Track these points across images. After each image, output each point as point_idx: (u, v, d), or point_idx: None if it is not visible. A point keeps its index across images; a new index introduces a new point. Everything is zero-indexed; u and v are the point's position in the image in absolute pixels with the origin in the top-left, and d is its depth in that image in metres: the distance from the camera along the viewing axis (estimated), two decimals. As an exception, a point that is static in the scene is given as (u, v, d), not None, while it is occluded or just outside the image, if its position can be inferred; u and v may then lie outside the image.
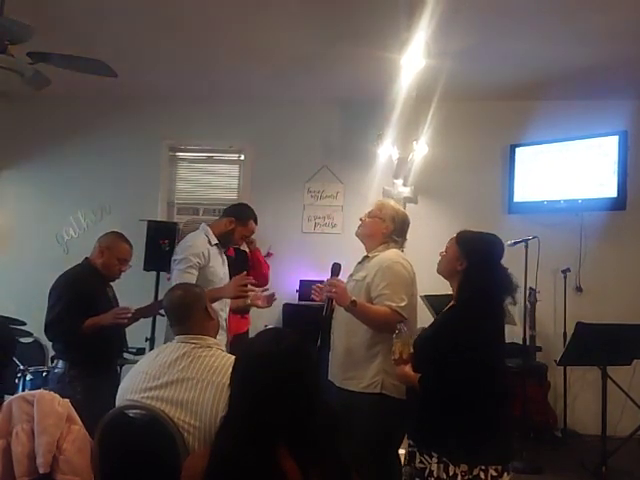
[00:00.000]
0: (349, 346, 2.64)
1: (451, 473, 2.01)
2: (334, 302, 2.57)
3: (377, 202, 2.91)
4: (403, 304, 2.55)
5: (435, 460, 2.05)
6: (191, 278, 2.94)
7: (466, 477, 2.00)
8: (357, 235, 2.88)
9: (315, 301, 2.74)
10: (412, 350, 2.25)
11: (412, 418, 2.27)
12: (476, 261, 2.20)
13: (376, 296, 2.59)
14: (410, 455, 2.22)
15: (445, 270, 2.32)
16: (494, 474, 2.02)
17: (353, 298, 2.52)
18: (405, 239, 2.86)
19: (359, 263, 2.85)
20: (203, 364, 2.06)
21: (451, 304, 2.28)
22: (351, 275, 2.85)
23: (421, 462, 2.12)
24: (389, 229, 2.77)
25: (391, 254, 2.70)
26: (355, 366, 2.60)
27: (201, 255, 3.04)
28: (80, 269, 3.18)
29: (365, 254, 2.83)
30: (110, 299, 3.23)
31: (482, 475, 2.00)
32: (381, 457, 2.55)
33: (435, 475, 2.04)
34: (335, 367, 2.70)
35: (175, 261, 3.06)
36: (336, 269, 2.66)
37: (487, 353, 2.06)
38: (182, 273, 2.97)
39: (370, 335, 2.58)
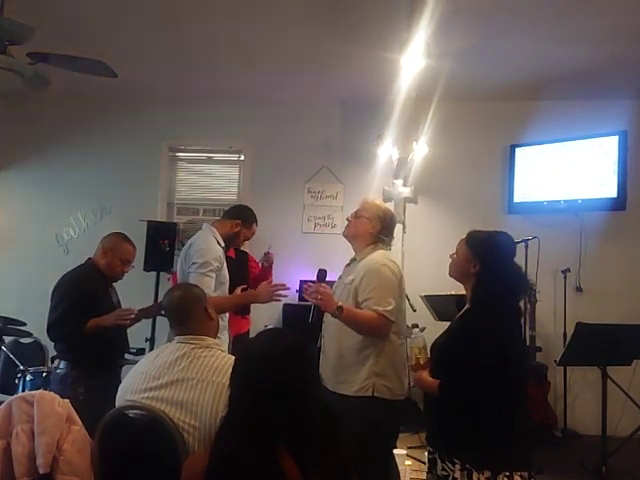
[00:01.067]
0: (340, 350, 2.63)
1: None
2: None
3: (363, 202, 2.86)
4: (390, 308, 2.53)
5: (458, 467, 2.02)
6: (211, 282, 2.94)
7: None
8: (344, 236, 2.86)
9: (308, 300, 2.71)
10: (429, 355, 2.23)
11: (430, 424, 2.24)
12: (489, 263, 2.14)
13: (363, 300, 2.57)
14: (431, 462, 2.18)
15: (457, 273, 2.26)
16: None
17: (339, 304, 2.49)
18: (392, 237, 2.84)
19: (347, 265, 2.83)
20: (203, 364, 2.06)
21: (466, 308, 2.23)
22: (340, 277, 2.84)
23: (443, 469, 2.09)
24: (376, 229, 2.75)
25: (378, 256, 2.67)
26: (346, 370, 2.59)
27: (219, 259, 3.06)
28: (83, 270, 3.17)
29: (353, 256, 2.82)
30: (112, 300, 3.23)
31: None
32: (378, 458, 2.54)
33: None
34: (326, 371, 2.67)
35: (195, 264, 3.00)
36: (322, 275, 2.64)
37: (506, 357, 2.02)
38: (203, 276, 2.94)
39: (360, 338, 2.57)
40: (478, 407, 2.00)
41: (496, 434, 2.00)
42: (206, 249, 3.07)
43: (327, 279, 2.64)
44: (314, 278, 2.65)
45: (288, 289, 3.09)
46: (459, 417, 2.04)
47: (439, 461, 2.12)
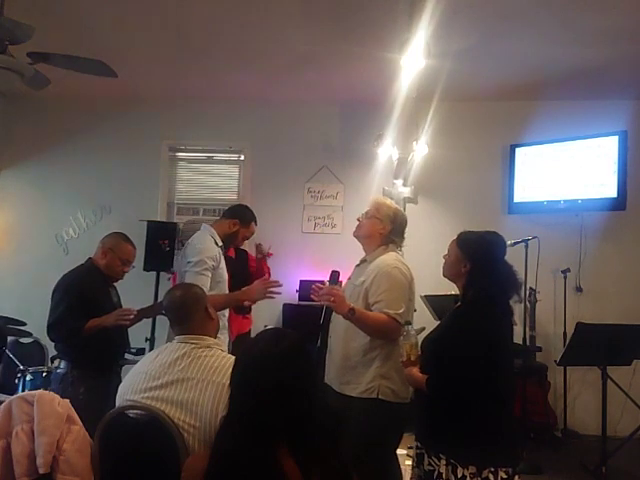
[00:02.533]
0: (347, 351, 2.62)
1: (460, 475, 2.00)
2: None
3: (373, 202, 2.84)
4: (401, 311, 2.53)
5: (444, 462, 2.04)
6: (206, 280, 2.95)
7: (475, 479, 1.99)
8: (355, 236, 2.85)
9: (314, 301, 2.69)
10: (420, 352, 2.24)
11: (419, 420, 2.25)
12: (479, 262, 2.19)
13: (374, 302, 2.56)
14: (418, 457, 2.21)
15: (450, 273, 2.31)
16: (504, 476, 2.01)
17: (352, 306, 2.49)
18: (403, 238, 2.83)
19: (357, 266, 2.82)
20: (203, 364, 2.06)
21: (457, 305, 2.28)
22: (349, 278, 2.83)
23: (430, 464, 2.11)
24: (387, 229, 2.73)
25: (389, 259, 2.66)
26: (352, 371, 2.59)
27: (215, 257, 3.06)
28: (83, 270, 3.16)
29: (363, 257, 2.81)
30: (113, 300, 3.23)
31: (491, 477, 1.99)
32: (380, 460, 2.55)
33: (444, 477, 2.03)
34: (332, 371, 2.68)
35: (190, 263, 3.02)
36: (335, 276, 2.63)
37: (494, 354, 2.04)
38: (197, 275, 2.96)
39: (368, 340, 2.57)
40: (464, 402, 2.02)
41: (482, 430, 2.02)
42: (201, 248, 3.09)
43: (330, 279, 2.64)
44: (314, 278, 2.65)
45: (280, 285, 3.08)
46: (445, 412, 2.06)
47: (426, 456, 2.15)
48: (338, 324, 2.65)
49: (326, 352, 2.78)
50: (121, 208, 5.59)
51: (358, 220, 2.85)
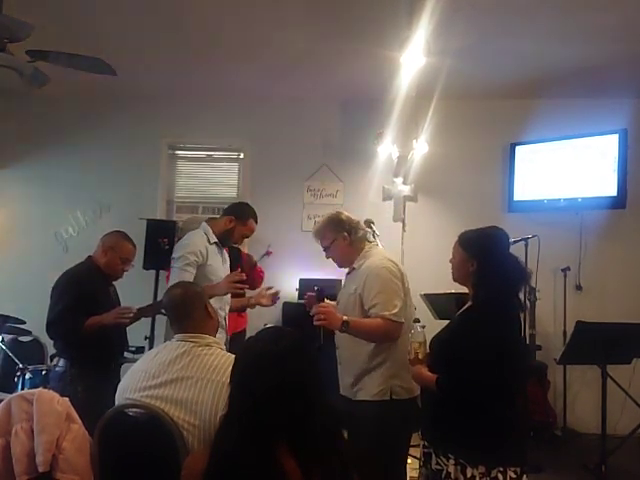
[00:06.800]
0: (354, 359, 2.62)
1: (469, 475, 1.98)
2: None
3: (314, 233, 2.84)
4: (396, 310, 2.51)
5: (452, 462, 2.02)
6: (188, 276, 2.97)
7: (484, 479, 1.97)
8: (341, 267, 2.84)
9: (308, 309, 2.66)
10: (428, 350, 2.23)
11: (426, 419, 2.24)
12: (485, 258, 2.16)
13: (369, 307, 2.55)
14: (426, 457, 2.19)
15: (458, 276, 2.28)
16: (513, 476, 1.99)
17: (345, 318, 2.48)
18: (364, 228, 2.82)
19: (348, 274, 2.81)
20: (202, 363, 2.06)
21: (468, 305, 2.24)
22: (343, 287, 2.82)
23: (438, 464, 2.09)
24: (347, 238, 2.71)
25: (376, 260, 2.65)
26: (362, 378, 2.59)
27: (198, 253, 3.05)
28: (82, 268, 3.16)
29: (351, 266, 2.78)
30: (112, 298, 3.23)
31: (500, 477, 1.97)
32: (393, 461, 2.54)
33: (452, 477, 2.01)
34: (345, 380, 2.68)
35: (173, 259, 3.10)
36: (320, 295, 2.59)
37: (507, 356, 2.02)
38: (179, 271, 3.01)
39: (372, 346, 2.56)
40: (474, 403, 2.00)
41: (492, 430, 2.01)
42: (185, 244, 3.12)
43: (332, 277, 2.63)
44: (314, 276, 2.64)
45: (244, 278, 3.11)
46: (455, 412, 2.04)
47: (434, 455, 2.13)
48: (342, 335, 2.62)
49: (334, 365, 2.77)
50: (120, 206, 5.58)
51: (327, 257, 2.84)
